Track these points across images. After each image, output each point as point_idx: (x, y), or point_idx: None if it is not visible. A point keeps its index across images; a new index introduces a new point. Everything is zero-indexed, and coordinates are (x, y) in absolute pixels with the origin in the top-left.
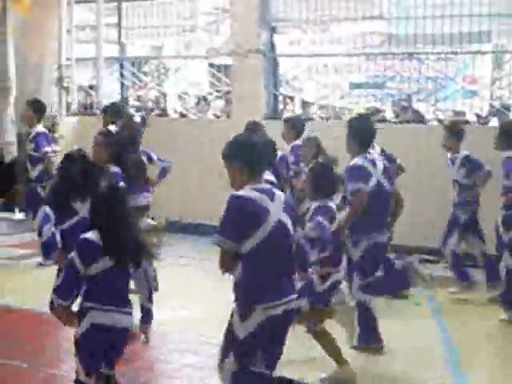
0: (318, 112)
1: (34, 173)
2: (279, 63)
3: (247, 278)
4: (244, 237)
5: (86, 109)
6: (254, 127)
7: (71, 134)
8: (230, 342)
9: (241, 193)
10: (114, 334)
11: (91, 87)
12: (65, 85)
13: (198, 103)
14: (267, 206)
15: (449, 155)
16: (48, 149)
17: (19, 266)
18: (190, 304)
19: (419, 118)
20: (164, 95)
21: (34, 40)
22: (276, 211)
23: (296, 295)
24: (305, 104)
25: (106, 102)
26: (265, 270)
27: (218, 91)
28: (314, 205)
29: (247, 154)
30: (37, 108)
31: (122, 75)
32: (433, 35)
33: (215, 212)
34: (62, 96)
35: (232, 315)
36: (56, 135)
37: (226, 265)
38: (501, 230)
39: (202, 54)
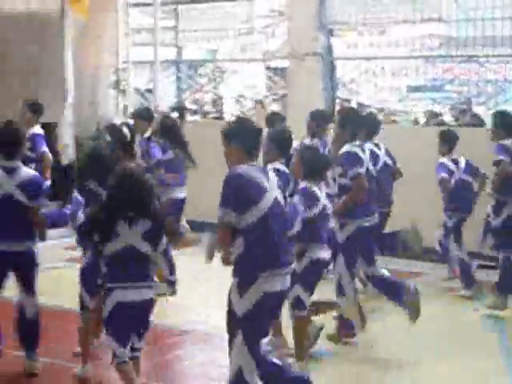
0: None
1: None
2: (336, 66)
3: (250, 250)
4: (243, 210)
5: (144, 110)
6: (273, 117)
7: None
8: (233, 320)
9: (240, 170)
10: (138, 309)
11: (148, 90)
12: (121, 88)
13: (254, 106)
14: (264, 183)
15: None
16: (45, 149)
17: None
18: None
19: (478, 122)
20: (220, 98)
21: (91, 43)
22: (273, 189)
23: (291, 270)
24: (360, 107)
25: (162, 104)
26: (266, 243)
27: (274, 94)
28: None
29: (247, 137)
30: (35, 109)
31: (178, 78)
32: (493, 37)
33: None
34: (118, 99)
35: (230, 294)
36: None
37: (226, 239)
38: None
39: (258, 56)
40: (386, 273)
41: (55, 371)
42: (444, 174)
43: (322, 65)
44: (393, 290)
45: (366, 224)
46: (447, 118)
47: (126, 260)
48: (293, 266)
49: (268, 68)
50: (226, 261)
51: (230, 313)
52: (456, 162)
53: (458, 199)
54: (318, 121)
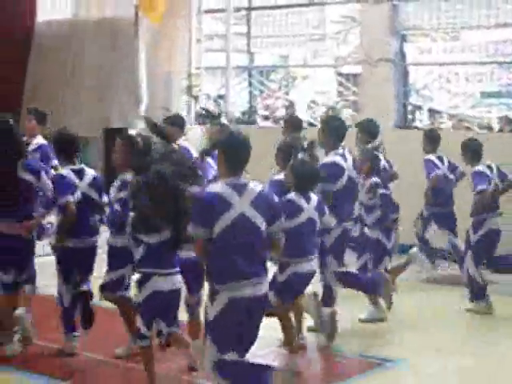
0: (448, 122)
1: None
2: (409, 72)
3: (213, 261)
4: (209, 224)
5: (213, 117)
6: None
7: (200, 142)
8: (206, 326)
9: (208, 189)
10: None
11: (220, 96)
12: (194, 94)
13: (326, 112)
14: (231, 200)
15: None
16: (56, 161)
17: None
18: None
19: None
20: (292, 104)
21: (164, 49)
22: (240, 205)
23: (263, 280)
24: (432, 113)
25: (234, 111)
26: (227, 255)
27: (345, 100)
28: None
29: (232, 152)
30: (40, 118)
31: (250, 84)
32: None
33: None
34: (191, 105)
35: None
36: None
37: (200, 250)
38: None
39: (329, 62)
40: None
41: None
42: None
43: (395, 71)
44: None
45: (349, 227)
46: None
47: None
48: (264, 276)
49: (339, 74)
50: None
51: (205, 319)
52: (441, 160)
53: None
54: (366, 132)
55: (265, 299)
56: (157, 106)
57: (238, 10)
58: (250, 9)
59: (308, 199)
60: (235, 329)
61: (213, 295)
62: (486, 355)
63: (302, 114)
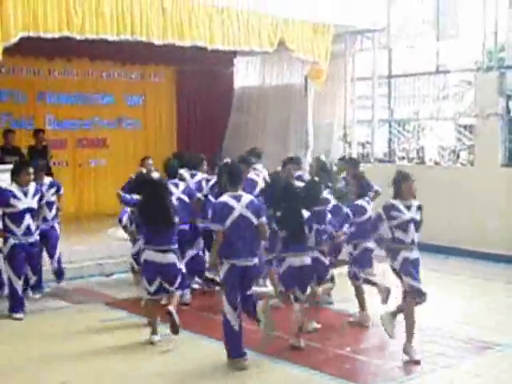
0: None
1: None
2: None
3: (223, 244)
4: (221, 221)
5: (363, 157)
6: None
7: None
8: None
9: (219, 199)
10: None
11: (368, 142)
12: (348, 140)
13: (449, 154)
14: (233, 205)
15: None
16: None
17: None
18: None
19: None
20: (422, 148)
21: (326, 107)
22: (239, 209)
23: (253, 256)
24: None
25: (377, 152)
26: (231, 241)
27: (462, 144)
28: None
29: (230, 175)
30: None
31: (390, 132)
32: None
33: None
34: (345, 148)
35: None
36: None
37: (219, 238)
38: None
39: (450, 116)
40: None
41: None
42: None
43: (502, 122)
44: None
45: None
46: None
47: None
48: (253, 258)
49: (459, 125)
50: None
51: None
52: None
53: None
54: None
55: (254, 268)
56: (321, 149)
57: (381, 77)
58: (390, 76)
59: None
60: (235, 282)
61: (222, 262)
62: None
63: (431, 155)
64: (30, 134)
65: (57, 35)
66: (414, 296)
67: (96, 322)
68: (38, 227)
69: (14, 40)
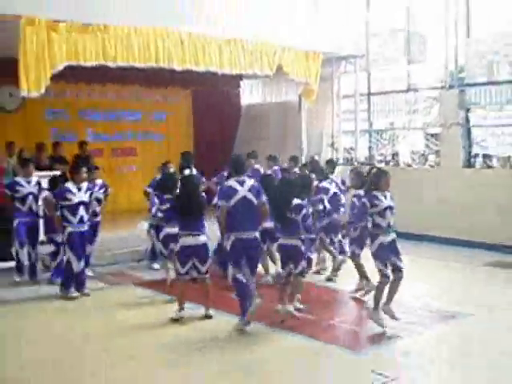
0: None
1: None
2: (472, 131)
3: (229, 220)
4: (227, 200)
5: (348, 161)
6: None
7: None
8: (226, 255)
9: (227, 182)
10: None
11: (351, 148)
12: (335, 147)
13: (419, 158)
14: (236, 188)
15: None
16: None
17: None
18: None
19: None
20: (397, 153)
21: (316, 120)
22: (242, 191)
23: (255, 230)
24: (486, 157)
25: (360, 157)
26: (235, 217)
27: (430, 149)
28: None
29: (235, 164)
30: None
31: (370, 141)
32: None
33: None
34: (333, 154)
35: (222, 240)
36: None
37: (223, 215)
38: None
39: (419, 126)
40: None
41: None
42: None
43: (462, 131)
44: None
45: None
46: None
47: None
48: (255, 231)
49: (426, 133)
50: (221, 226)
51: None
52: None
53: None
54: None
55: (255, 240)
56: (313, 153)
57: (362, 95)
58: (369, 94)
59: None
60: (239, 255)
61: (227, 236)
62: None
63: (404, 158)
64: (73, 145)
65: (94, 64)
66: (383, 278)
67: (128, 298)
68: (89, 218)
69: (60, 68)
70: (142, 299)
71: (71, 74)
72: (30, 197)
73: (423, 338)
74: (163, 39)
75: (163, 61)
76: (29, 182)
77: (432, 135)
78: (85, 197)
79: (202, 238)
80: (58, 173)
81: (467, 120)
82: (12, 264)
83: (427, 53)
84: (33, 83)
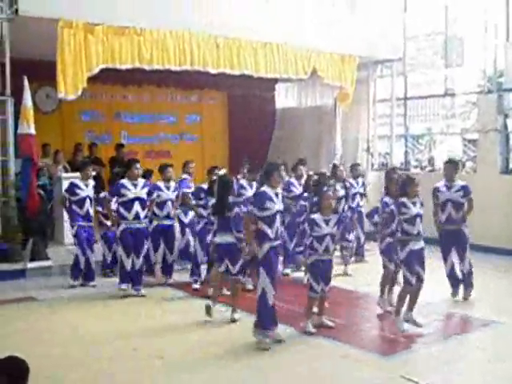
0: None
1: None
2: (510, 137)
3: (263, 229)
4: (262, 209)
5: (383, 165)
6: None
7: (374, 181)
8: (257, 263)
9: (262, 189)
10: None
11: (387, 153)
12: (370, 151)
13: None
14: (273, 198)
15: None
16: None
17: None
18: None
19: None
20: (433, 158)
21: (352, 124)
22: (278, 202)
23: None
24: None
25: (395, 162)
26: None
27: (467, 156)
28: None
29: (267, 174)
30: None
31: (406, 145)
32: None
33: None
34: (368, 158)
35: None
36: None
37: (252, 222)
38: None
39: (457, 131)
40: None
41: None
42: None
43: (500, 137)
44: None
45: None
46: None
47: None
48: (279, 241)
49: (464, 139)
50: (249, 235)
51: (257, 258)
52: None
53: None
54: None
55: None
56: (348, 159)
57: (398, 99)
58: (406, 98)
59: None
60: (273, 262)
61: (260, 245)
62: None
63: (441, 164)
64: (108, 147)
65: (130, 66)
66: (407, 285)
67: (162, 299)
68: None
69: (96, 71)
70: (173, 300)
71: (107, 76)
72: (88, 200)
73: (453, 343)
74: (198, 43)
75: (198, 64)
76: (87, 185)
77: (470, 141)
78: (141, 193)
79: (229, 238)
80: (93, 173)
81: (505, 126)
82: (47, 263)
83: (465, 57)
84: (70, 85)
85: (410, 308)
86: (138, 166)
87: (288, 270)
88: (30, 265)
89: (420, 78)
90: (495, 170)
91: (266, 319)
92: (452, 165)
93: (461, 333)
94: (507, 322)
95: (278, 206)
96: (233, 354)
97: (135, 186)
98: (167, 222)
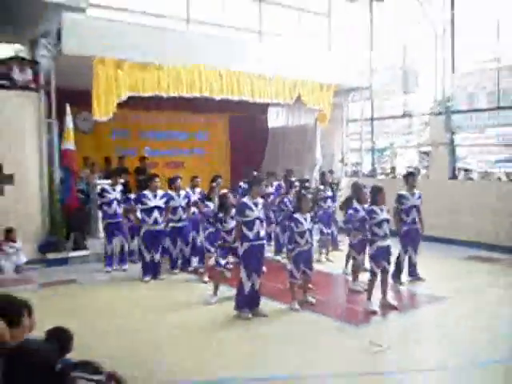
0: (476, 175)
1: None
2: (456, 149)
3: (244, 232)
4: (243, 216)
5: (354, 174)
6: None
7: (347, 186)
8: (240, 259)
9: (242, 200)
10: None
11: (357, 163)
12: (344, 162)
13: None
14: (252, 207)
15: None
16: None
17: None
18: None
19: None
20: (394, 167)
21: (329, 139)
22: (257, 210)
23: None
24: (468, 171)
25: (364, 170)
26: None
27: (422, 165)
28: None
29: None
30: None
31: (372, 157)
32: None
33: None
34: (342, 167)
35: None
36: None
37: (240, 229)
38: None
39: (414, 145)
40: None
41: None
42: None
43: (449, 149)
44: None
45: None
46: None
47: None
48: (264, 240)
49: (419, 151)
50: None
51: (238, 256)
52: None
53: None
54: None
55: (263, 247)
56: (326, 168)
57: (366, 119)
58: (372, 119)
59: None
60: (253, 258)
61: (242, 243)
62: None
63: (401, 172)
64: (134, 159)
65: (151, 94)
66: (373, 276)
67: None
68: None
69: (124, 98)
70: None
71: (133, 103)
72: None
73: (411, 316)
74: (206, 75)
75: (205, 91)
76: (114, 190)
77: (424, 153)
78: (159, 202)
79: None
80: (122, 180)
81: (452, 141)
82: (85, 253)
83: (420, 85)
84: (103, 110)
85: (383, 294)
86: (157, 179)
87: (279, 257)
88: (72, 254)
89: (383, 103)
90: (444, 176)
91: (241, 303)
92: (414, 176)
93: (418, 306)
94: (453, 296)
95: (257, 213)
96: (223, 323)
97: (155, 196)
98: (180, 224)
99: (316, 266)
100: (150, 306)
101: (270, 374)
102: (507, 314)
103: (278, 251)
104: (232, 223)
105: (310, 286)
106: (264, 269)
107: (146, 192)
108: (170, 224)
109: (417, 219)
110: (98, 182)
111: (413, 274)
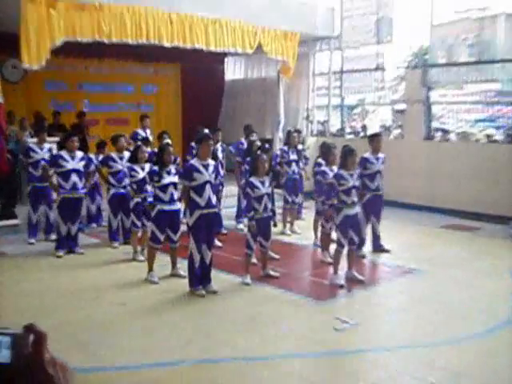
0: (454, 137)
1: None
2: (431, 108)
3: (193, 197)
4: (190, 180)
5: (321, 133)
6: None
7: (313, 146)
8: (189, 230)
9: (190, 162)
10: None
11: (325, 121)
12: (310, 119)
13: (385, 130)
14: (201, 169)
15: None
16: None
17: None
18: None
19: None
20: (365, 126)
21: (293, 94)
22: (207, 172)
23: (216, 208)
24: (444, 131)
25: (332, 129)
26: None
27: (397, 124)
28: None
29: (197, 144)
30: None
31: (341, 115)
32: None
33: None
34: (308, 125)
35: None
36: (305, 147)
37: (186, 192)
38: None
39: (388, 103)
40: None
41: None
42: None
43: (424, 107)
44: None
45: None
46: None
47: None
48: (215, 208)
49: (393, 109)
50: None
51: (187, 225)
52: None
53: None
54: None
55: (217, 215)
56: (290, 125)
57: (335, 72)
58: (342, 72)
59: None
60: (202, 228)
61: (191, 213)
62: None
63: (372, 131)
64: (71, 114)
65: (90, 40)
66: (339, 247)
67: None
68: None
69: (58, 44)
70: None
71: (69, 50)
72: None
73: (383, 290)
74: (153, 18)
75: (153, 37)
76: (41, 149)
77: (398, 111)
78: (78, 165)
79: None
80: (57, 139)
81: (428, 98)
82: (14, 222)
83: (395, 35)
84: (33, 57)
85: (350, 267)
86: (75, 138)
87: (241, 225)
88: (0, 223)
89: (354, 54)
90: (420, 136)
91: (192, 279)
92: (380, 138)
93: (386, 279)
94: (426, 268)
95: (207, 176)
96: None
97: (73, 158)
98: (123, 191)
99: (281, 238)
100: (88, 283)
101: (221, 357)
102: (483, 286)
103: (238, 219)
104: (168, 178)
105: (275, 255)
106: (217, 242)
107: (63, 152)
108: (111, 190)
109: (380, 185)
110: (29, 140)
111: (376, 245)
